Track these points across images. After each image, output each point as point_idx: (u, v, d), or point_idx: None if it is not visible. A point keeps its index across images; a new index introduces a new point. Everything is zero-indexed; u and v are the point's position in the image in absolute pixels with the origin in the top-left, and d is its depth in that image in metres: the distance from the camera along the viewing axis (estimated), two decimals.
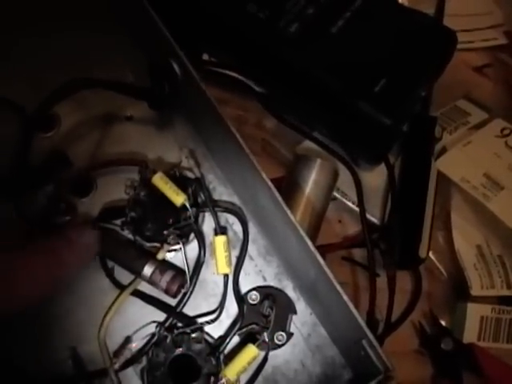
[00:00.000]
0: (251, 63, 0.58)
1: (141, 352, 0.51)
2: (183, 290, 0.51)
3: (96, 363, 0.51)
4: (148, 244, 0.52)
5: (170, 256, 0.53)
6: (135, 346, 0.51)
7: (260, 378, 0.51)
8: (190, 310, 0.53)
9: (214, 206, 0.54)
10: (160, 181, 0.51)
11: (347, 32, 0.54)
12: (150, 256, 0.51)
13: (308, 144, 0.61)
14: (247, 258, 0.54)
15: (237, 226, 0.55)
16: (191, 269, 0.53)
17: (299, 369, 0.53)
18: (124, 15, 0.58)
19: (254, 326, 0.52)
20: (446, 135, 0.64)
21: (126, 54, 0.59)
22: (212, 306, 0.53)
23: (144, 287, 0.52)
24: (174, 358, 0.50)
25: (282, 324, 0.53)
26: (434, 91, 0.65)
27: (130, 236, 0.52)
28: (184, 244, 0.52)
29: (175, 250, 0.53)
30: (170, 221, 0.51)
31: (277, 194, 0.45)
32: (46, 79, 0.52)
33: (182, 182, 0.52)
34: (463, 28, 0.70)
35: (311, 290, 0.52)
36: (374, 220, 0.61)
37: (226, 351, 0.52)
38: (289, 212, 0.45)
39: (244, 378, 0.50)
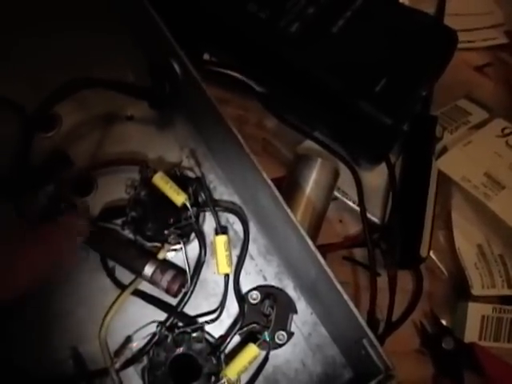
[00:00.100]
0: (252, 63, 0.58)
1: (142, 351, 0.51)
2: (184, 290, 0.52)
3: (97, 363, 0.51)
4: (149, 244, 0.52)
5: (170, 255, 0.53)
6: (136, 345, 0.51)
7: (261, 377, 0.51)
8: (190, 309, 0.53)
9: (215, 205, 0.54)
10: (161, 180, 0.51)
11: (348, 32, 0.54)
12: (151, 256, 0.52)
13: (309, 144, 0.61)
14: (248, 258, 0.54)
15: (237, 226, 0.55)
16: (192, 268, 0.53)
17: (300, 368, 0.53)
18: (124, 15, 0.58)
19: (254, 325, 0.52)
20: (447, 135, 0.64)
21: (127, 53, 0.59)
22: (213, 305, 0.53)
23: (145, 287, 0.52)
24: (174, 358, 0.50)
25: (283, 323, 0.53)
26: (435, 91, 0.64)
27: (131, 236, 0.53)
28: (185, 243, 0.52)
29: (176, 250, 0.53)
30: (171, 220, 0.51)
31: (277, 194, 0.45)
32: (47, 79, 0.52)
33: (182, 182, 0.52)
34: (464, 27, 0.70)
35: (312, 289, 0.52)
36: (375, 219, 0.61)
37: (227, 351, 0.52)
38: (289, 211, 0.45)
39: (245, 377, 0.51)
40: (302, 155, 0.60)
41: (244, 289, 0.54)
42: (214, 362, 0.50)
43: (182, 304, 0.52)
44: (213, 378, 0.50)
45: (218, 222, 0.53)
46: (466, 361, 0.59)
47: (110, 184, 0.55)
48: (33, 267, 0.44)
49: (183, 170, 0.55)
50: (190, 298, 0.52)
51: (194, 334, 0.51)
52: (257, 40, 0.55)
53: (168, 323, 0.51)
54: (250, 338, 0.52)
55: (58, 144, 0.56)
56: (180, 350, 0.50)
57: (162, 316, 0.52)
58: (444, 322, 0.61)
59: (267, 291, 0.54)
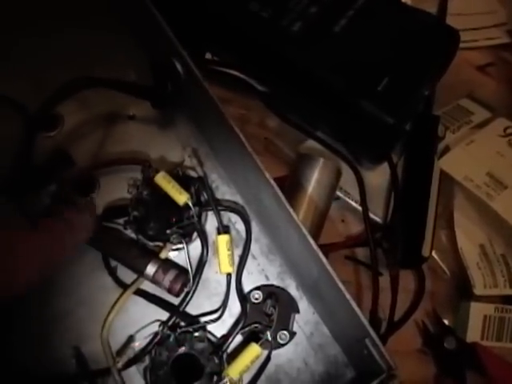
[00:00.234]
0: (254, 62, 0.57)
1: (144, 351, 0.51)
2: (186, 289, 0.52)
3: (99, 362, 0.51)
4: (151, 243, 0.52)
5: (172, 255, 0.54)
6: (138, 344, 0.51)
7: (263, 376, 0.51)
8: (192, 309, 0.53)
9: (217, 205, 0.54)
10: (163, 180, 0.51)
11: (350, 31, 0.54)
12: (153, 255, 0.52)
13: (311, 143, 0.61)
14: (250, 257, 0.54)
15: (239, 225, 0.55)
16: (194, 268, 0.53)
17: (302, 367, 0.53)
18: (127, 14, 0.58)
19: (256, 324, 0.52)
20: (449, 134, 0.64)
21: (129, 52, 0.59)
22: (215, 305, 0.53)
23: (147, 286, 0.53)
24: (176, 357, 0.50)
25: (285, 323, 0.53)
26: (437, 90, 0.64)
27: (133, 235, 0.53)
28: (187, 243, 0.52)
29: (178, 249, 0.53)
30: (173, 220, 0.52)
31: (280, 193, 0.45)
32: (48, 78, 0.52)
33: (184, 181, 0.52)
34: (466, 27, 0.70)
35: (314, 288, 0.52)
36: (377, 219, 0.61)
37: (229, 350, 0.52)
38: (291, 211, 0.45)
39: (247, 376, 0.51)
40: (304, 155, 0.60)
41: (246, 288, 0.54)
42: (216, 361, 0.50)
43: (184, 303, 0.52)
44: (215, 378, 0.50)
45: (220, 221, 0.53)
46: (468, 360, 0.58)
47: (112, 183, 0.55)
48: (33, 262, 0.44)
49: (185, 169, 0.55)
50: (192, 297, 0.52)
51: (196, 334, 0.51)
52: (259, 39, 0.55)
53: (170, 323, 0.52)
54: (252, 337, 0.52)
55: (60, 143, 0.56)
56: (182, 349, 0.50)
57: (164, 315, 0.52)
58: (446, 322, 0.61)
59: (269, 291, 0.54)
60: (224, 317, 0.52)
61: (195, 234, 0.53)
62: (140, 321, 0.52)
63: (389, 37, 0.54)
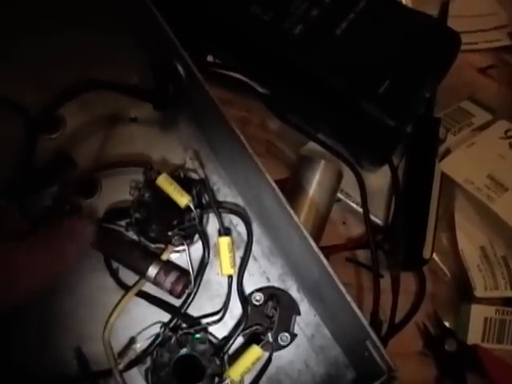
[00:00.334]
0: (256, 64, 0.58)
1: (145, 352, 0.51)
2: (187, 291, 0.52)
3: (101, 363, 0.51)
4: (152, 245, 0.52)
5: (174, 257, 0.54)
6: (140, 346, 0.51)
7: (264, 378, 0.51)
8: (194, 310, 0.53)
9: (219, 207, 0.54)
10: (164, 182, 0.51)
11: (351, 33, 0.54)
12: (155, 257, 0.52)
13: (312, 145, 0.61)
14: (251, 259, 0.54)
15: (241, 227, 0.55)
16: (195, 269, 0.53)
17: (303, 369, 0.53)
18: (128, 16, 0.58)
19: (258, 326, 0.52)
20: (450, 136, 0.64)
21: (130, 55, 0.59)
22: (216, 306, 0.53)
23: (148, 288, 0.53)
24: (178, 359, 0.50)
25: (286, 325, 0.53)
26: (439, 92, 0.65)
27: (135, 237, 0.53)
28: (188, 245, 0.52)
29: (179, 251, 0.53)
30: (175, 222, 0.52)
31: (281, 195, 0.45)
32: (50, 79, 0.53)
33: (186, 183, 0.52)
34: (467, 29, 0.70)
35: (315, 290, 0.52)
36: (378, 221, 0.61)
37: (230, 352, 0.52)
38: (292, 213, 0.45)
39: (248, 378, 0.51)
40: (305, 157, 0.60)
41: (247, 290, 0.54)
42: (218, 363, 0.50)
43: (186, 305, 0.52)
44: (216, 379, 0.50)
45: (221, 223, 0.53)
46: (468, 363, 0.59)
47: (114, 185, 0.55)
48: (34, 273, 0.44)
49: (187, 171, 0.55)
50: (193, 299, 0.52)
51: (198, 335, 0.51)
52: (260, 42, 0.55)
53: (172, 324, 0.51)
54: (253, 339, 0.52)
55: (61, 146, 0.56)
56: (183, 350, 0.50)
57: (165, 317, 0.52)
58: (447, 324, 0.61)
59: (270, 292, 0.54)
60: (225, 318, 0.52)
61: (197, 236, 0.53)
62: (141, 322, 0.52)
63: (390, 39, 0.54)
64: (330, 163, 0.58)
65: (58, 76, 0.54)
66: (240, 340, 0.53)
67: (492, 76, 0.71)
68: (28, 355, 0.51)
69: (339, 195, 0.61)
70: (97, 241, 0.50)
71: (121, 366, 0.50)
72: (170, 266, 0.52)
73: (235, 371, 0.49)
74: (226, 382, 0.49)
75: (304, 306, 0.54)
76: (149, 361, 0.51)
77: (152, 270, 0.51)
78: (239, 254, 0.54)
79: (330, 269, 0.44)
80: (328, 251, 0.59)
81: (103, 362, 0.51)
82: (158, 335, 0.51)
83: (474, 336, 0.59)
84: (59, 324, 0.52)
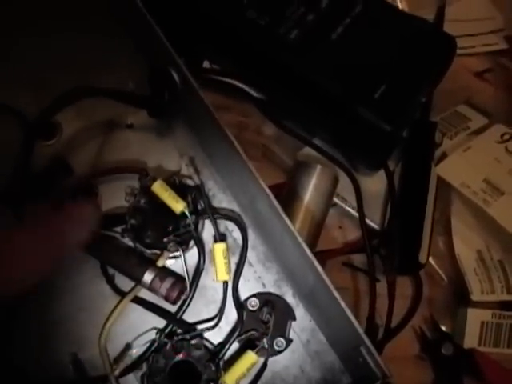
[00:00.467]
0: (252, 69, 0.58)
1: (141, 358, 0.51)
2: (183, 297, 0.52)
3: (97, 369, 0.51)
4: (148, 251, 0.52)
5: (169, 263, 0.54)
6: (136, 352, 0.51)
7: (259, 383, 0.51)
8: (189, 316, 0.53)
9: (214, 213, 0.54)
10: (160, 188, 0.51)
11: (347, 38, 0.54)
12: (150, 263, 0.52)
13: (308, 150, 0.61)
14: (247, 265, 0.54)
15: (236, 233, 0.55)
16: (191, 276, 0.53)
17: (298, 374, 0.53)
18: (125, 24, 0.58)
19: (253, 332, 0.53)
20: (447, 140, 0.64)
21: (128, 60, 0.59)
22: (212, 312, 0.54)
23: (144, 294, 0.53)
24: (174, 364, 0.50)
25: (282, 330, 0.53)
26: (435, 96, 0.65)
27: (131, 243, 0.53)
28: (184, 251, 0.52)
29: (175, 257, 0.53)
30: (170, 228, 0.52)
31: (275, 202, 0.45)
32: (47, 84, 0.53)
33: (181, 190, 0.52)
34: (464, 33, 0.70)
35: (310, 296, 0.52)
36: (374, 226, 0.61)
37: (226, 357, 0.52)
38: (287, 219, 0.45)
39: (244, 383, 0.51)
40: (301, 162, 0.60)
41: (243, 296, 0.54)
42: (213, 368, 0.50)
43: (181, 311, 0.52)
44: None
45: (216, 229, 0.53)
46: (465, 366, 0.59)
47: (109, 192, 0.55)
48: (30, 256, 0.42)
49: (182, 177, 0.55)
50: (189, 305, 0.52)
51: (193, 341, 0.51)
52: (256, 46, 0.55)
53: (167, 330, 0.52)
54: (248, 344, 0.52)
55: (58, 152, 0.57)
56: (179, 356, 0.51)
57: (161, 323, 0.52)
58: (443, 328, 0.61)
59: (266, 298, 0.54)
60: (221, 324, 0.53)
61: (192, 242, 0.53)
62: (137, 328, 0.52)
63: (386, 44, 0.54)
64: (326, 168, 0.58)
65: (55, 80, 0.54)
66: (236, 345, 0.53)
67: (488, 80, 0.70)
68: (27, 359, 0.52)
69: (335, 200, 0.61)
70: (93, 247, 0.51)
71: (117, 372, 0.51)
72: (165, 272, 0.52)
73: (231, 377, 0.49)
74: None
75: (299, 311, 0.54)
76: (145, 366, 0.51)
77: (148, 276, 0.51)
78: (235, 259, 0.54)
79: (324, 276, 0.44)
80: (324, 255, 0.59)
81: (99, 368, 0.51)
82: (153, 341, 0.51)
83: (470, 340, 0.59)
84: (56, 329, 0.53)
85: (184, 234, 0.52)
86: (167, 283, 0.51)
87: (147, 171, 0.54)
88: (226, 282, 0.52)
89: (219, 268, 0.52)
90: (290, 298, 0.54)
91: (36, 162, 0.51)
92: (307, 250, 0.44)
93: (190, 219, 0.51)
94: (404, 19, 0.57)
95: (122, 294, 0.53)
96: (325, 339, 0.54)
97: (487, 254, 0.61)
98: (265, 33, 0.55)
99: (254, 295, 0.54)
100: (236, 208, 0.56)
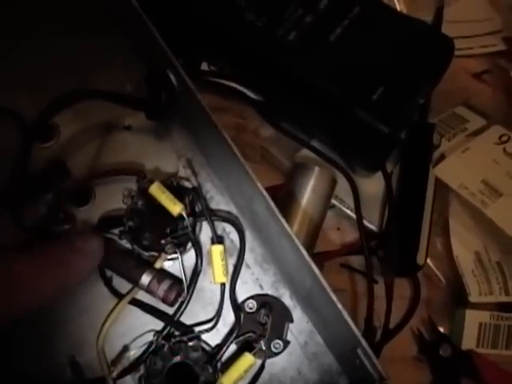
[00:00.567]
0: (250, 71, 0.58)
1: (139, 360, 0.51)
2: (180, 299, 0.52)
3: (95, 371, 0.51)
4: (146, 253, 0.52)
5: (167, 265, 0.54)
6: (133, 354, 0.51)
7: None
8: (187, 318, 0.53)
9: (211, 215, 0.54)
10: (157, 190, 0.51)
11: (345, 40, 0.54)
12: (148, 265, 0.52)
13: (306, 152, 0.61)
14: (244, 267, 0.54)
15: (234, 235, 0.55)
16: (188, 278, 0.53)
17: (296, 376, 0.53)
18: (122, 25, 0.58)
19: (250, 334, 0.52)
20: (445, 142, 0.64)
21: (126, 61, 0.59)
22: (209, 314, 0.53)
23: (142, 296, 0.53)
24: (171, 366, 0.50)
25: (279, 332, 0.53)
26: (433, 98, 0.65)
27: (128, 245, 0.53)
28: (181, 253, 0.52)
29: (173, 259, 0.53)
30: (168, 230, 0.52)
31: (272, 204, 0.45)
32: (44, 86, 0.53)
33: (179, 192, 0.52)
34: (462, 34, 0.70)
35: (307, 298, 0.52)
36: (372, 227, 0.61)
37: (223, 359, 0.52)
38: (284, 221, 0.45)
39: None
40: (299, 163, 0.60)
41: (241, 297, 0.54)
42: (211, 370, 0.50)
43: (179, 313, 0.52)
44: None
45: (214, 231, 0.53)
46: (463, 368, 0.59)
47: (107, 194, 0.55)
48: (37, 284, 0.43)
49: (180, 179, 0.55)
50: (186, 307, 0.52)
51: (191, 343, 0.51)
52: (254, 48, 0.55)
53: (165, 332, 0.52)
54: (246, 346, 0.52)
55: (55, 154, 0.56)
56: (177, 358, 0.51)
57: (158, 325, 0.52)
58: (441, 329, 0.61)
59: (263, 300, 0.54)
60: (218, 326, 0.53)
61: (190, 244, 0.53)
62: (135, 330, 0.52)
63: (384, 46, 0.54)
64: (324, 170, 0.58)
65: (53, 82, 0.54)
66: (233, 347, 0.53)
67: (487, 81, 0.70)
68: (26, 362, 0.52)
69: (333, 201, 0.61)
70: None
71: (114, 374, 0.50)
72: (163, 274, 0.52)
73: (228, 379, 0.49)
74: None
75: (297, 313, 0.54)
76: (142, 368, 0.51)
77: (145, 278, 0.51)
78: (232, 261, 0.54)
79: (321, 278, 0.44)
80: (322, 257, 0.60)
81: (97, 370, 0.51)
82: (151, 343, 0.51)
83: (468, 341, 0.59)
84: (54, 332, 0.53)
85: (181, 236, 0.52)
86: (165, 285, 0.51)
87: (145, 173, 0.54)
88: (223, 284, 0.52)
89: (217, 270, 0.52)
90: (287, 299, 0.54)
91: (34, 164, 0.51)
92: (304, 253, 0.44)
93: (188, 221, 0.51)
94: (402, 21, 0.57)
95: (119, 296, 0.52)
96: (322, 341, 0.54)
97: (485, 256, 0.61)
98: (263, 34, 0.55)
99: (251, 297, 0.54)
100: (233, 210, 0.56)
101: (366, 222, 0.60)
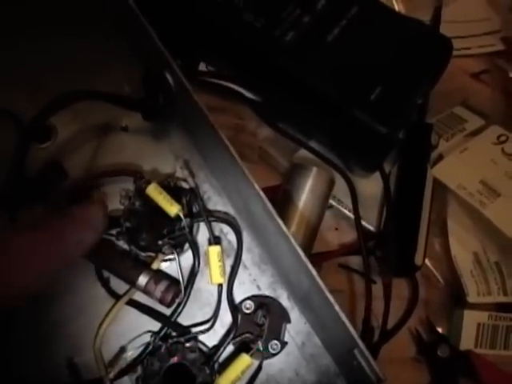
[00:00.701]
0: (248, 72, 0.58)
1: (136, 361, 0.51)
2: (177, 300, 0.52)
3: (92, 372, 0.51)
4: (143, 254, 0.52)
5: (164, 266, 0.54)
6: (130, 355, 0.51)
7: None
8: (184, 319, 0.53)
9: (208, 216, 0.54)
10: (154, 191, 0.51)
11: (343, 40, 0.54)
12: (145, 266, 0.52)
13: (304, 152, 0.61)
14: (241, 267, 0.54)
15: (231, 236, 0.55)
16: (186, 278, 0.53)
17: (293, 377, 0.53)
18: (120, 26, 0.58)
19: (248, 335, 0.53)
20: (443, 142, 0.64)
21: (124, 62, 0.59)
22: (206, 315, 0.54)
23: (139, 297, 0.53)
24: (168, 367, 0.50)
25: (276, 333, 0.53)
26: (432, 98, 0.64)
27: (125, 246, 0.53)
28: (178, 254, 0.52)
29: (170, 260, 0.53)
30: (165, 231, 0.52)
31: (269, 205, 0.45)
32: (44, 89, 0.53)
33: (176, 193, 0.52)
34: (460, 34, 0.70)
35: (305, 299, 0.52)
36: (371, 227, 0.61)
37: (220, 360, 0.52)
38: (280, 222, 0.45)
39: None
40: (297, 164, 0.60)
41: (238, 298, 0.54)
42: (208, 371, 0.50)
43: (176, 314, 0.52)
44: None
45: (211, 232, 0.53)
46: (461, 368, 0.59)
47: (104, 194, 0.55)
48: (30, 262, 0.41)
49: (177, 180, 0.55)
50: (183, 307, 0.52)
51: (188, 344, 0.51)
52: (252, 49, 0.55)
53: (162, 333, 0.52)
54: (243, 347, 0.52)
55: (53, 155, 0.57)
56: (174, 359, 0.51)
57: (156, 326, 0.52)
58: (440, 330, 0.61)
59: (261, 301, 0.54)
60: (215, 327, 0.53)
61: (187, 245, 0.53)
62: (132, 331, 0.52)
63: (382, 46, 0.54)
64: (322, 170, 0.58)
65: (52, 83, 0.54)
66: (230, 348, 0.53)
67: (485, 81, 0.70)
68: (23, 364, 0.52)
69: (331, 202, 0.61)
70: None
71: (111, 375, 0.50)
72: (160, 275, 0.52)
73: (225, 380, 0.49)
74: None
75: (294, 313, 0.54)
76: (139, 369, 0.51)
77: (142, 279, 0.51)
78: (230, 262, 0.54)
79: (318, 279, 0.44)
80: (320, 257, 0.59)
81: (94, 371, 0.51)
82: (148, 344, 0.51)
83: (466, 342, 0.59)
84: (51, 333, 0.53)
85: (179, 237, 0.52)
86: (162, 286, 0.51)
87: (142, 174, 0.54)
88: (220, 285, 0.52)
89: (214, 271, 0.52)
90: (284, 300, 0.54)
91: (31, 166, 0.51)
92: (301, 254, 0.44)
93: (185, 222, 0.51)
94: (400, 21, 0.57)
95: (116, 297, 0.53)
96: (320, 342, 0.54)
97: (483, 256, 0.61)
98: (261, 35, 0.54)
99: (248, 298, 0.54)
100: (231, 211, 0.56)
101: (364, 223, 0.60)
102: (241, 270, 0.54)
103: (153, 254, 0.52)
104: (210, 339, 0.53)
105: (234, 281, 0.53)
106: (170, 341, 0.51)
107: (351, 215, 0.60)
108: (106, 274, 0.53)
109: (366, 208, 0.60)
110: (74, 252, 0.45)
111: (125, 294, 0.52)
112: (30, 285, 0.41)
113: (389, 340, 0.57)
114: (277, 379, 0.53)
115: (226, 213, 0.56)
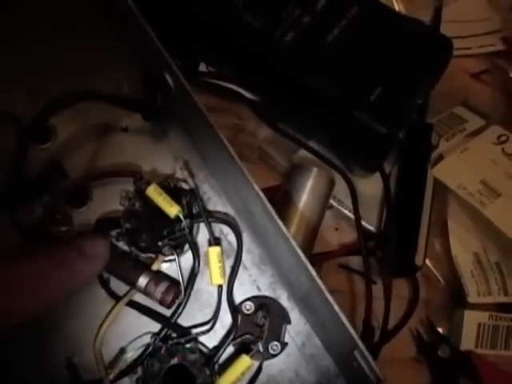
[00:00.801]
0: (248, 72, 0.58)
1: (136, 362, 0.51)
2: (178, 301, 0.52)
3: (92, 373, 0.51)
4: (143, 255, 0.52)
5: (164, 267, 0.54)
6: (130, 356, 0.51)
7: None
8: (184, 320, 0.53)
9: (208, 216, 0.54)
10: (154, 192, 0.51)
11: (343, 40, 0.54)
12: (145, 267, 0.52)
13: (304, 153, 0.61)
14: (241, 268, 0.54)
15: (231, 236, 0.55)
16: (186, 279, 0.53)
17: (293, 378, 0.53)
18: (119, 26, 0.58)
19: (248, 335, 0.52)
20: (443, 142, 0.64)
21: (123, 63, 0.59)
22: (206, 316, 0.53)
23: (139, 298, 0.53)
24: (168, 368, 0.50)
25: (277, 334, 0.53)
26: (432, 98, 0.64)
27: (125, 247, 0.53)
28: (178, 255, 0.52)
29: (170, 261, 0.53)
30: (165, 232, 0.52)
31: (268, 205, 0.45)
32: (41, 88, 0.53)
33: (176, 193, 0.52)
34: (461, 34, 0.70)
35: (305, 300, 0.52)
36: (371, 228, 0.61)
37: (221, 361, 0.52)
38: (280, 222, 0.45)
39: None
40: (297, 164, 0.60)
41: (238, 299, 0.54)
42: (208, 372, 0.50)
43: (176, 315, 0.52)
44: None
45: (211, 233, 0.53)
46: (462, 369, 0.59)
47: (104, 195, 0.55)
48: (36, 289, 0.42)
49: (177, 181, 0.55)
50: (183, 309, 0.52)
51: (188, 345, 0.51)
52: (252, 49, 0.55)
53: (162, 334, 0.52)
54: (243, 348, 0.52)
55: (52, 155, 0.56)
56: (174, 360, 0.50)
57: (156, 327, 0.52)
58: (440, 330, 0.61)
59: (261, 302, 0.54)
60: (215, 328, 0.53)
61: (187, 246, 0.53)
62: (132, 332, 0.52)
63: (382, 46, 0.54)
64: (323, 170, 0.58)
65: (52, 84, 0.54)
66: (230, 349, 0.53)
67: (485, 81, 0.70)
68: (23, 365, 0.52)
69: (331, 202, 0.61)
70: None
71: (111, 376, 0.50)
72: (160, 276, 0.52)
73: (225, 381, 0.49)
74: None
75: (294, 314, 0.54)
76: (139, 370, 0.51)
77: (142, 280, 0.51)
78: (230, 262, 0.54)
79: (318, 280, 0.44)
80: (321, 258, 0.59)
81: (94, 372, 0.51)
82: (148, 345, 0.51)
83: (467, 342, 0.59)
84: (51, 334, 0.53)
85: (179, 238, 0.52)
86: (162, 287, 0.51)
87: (142, 175, 0.54)
88: (220, 286, 0.52)
89: (214, 272, 0.52)
90: (285, 301, 0.54)
91: (31, 166, 0.51)
92: (301, 254, 0.44)
93: (185, 223, 0.51)
94: (400, 21, 0.57)
95: (116, 298, 0.52)
96: (320, 343, 0.54)
97: (484, 256, 0.61)
98: (260, 35, 0.54)
99: (248, 299, 0.54)
100: (231, 211, 0.56)
101: (364, 223, 0.60)
102: (241, 271, 0.54)
103: (153, 255, 0.52)
104: (210, 340, 0.53)
105: (234, 282, 0.53)
106: (170, 342, 0.51)
107: (351, 215, 0.60)
108: (106, 275, 0.53)
109: (366, 208, 0.60)
110: (84, 282, 0.47)
111: (125, 295, 0.52)
112: (32, 311, 0.43)
113: (389, 340, 0.57)
114: (277, 380, 0.53)
115: (225, 213, 0.56)
